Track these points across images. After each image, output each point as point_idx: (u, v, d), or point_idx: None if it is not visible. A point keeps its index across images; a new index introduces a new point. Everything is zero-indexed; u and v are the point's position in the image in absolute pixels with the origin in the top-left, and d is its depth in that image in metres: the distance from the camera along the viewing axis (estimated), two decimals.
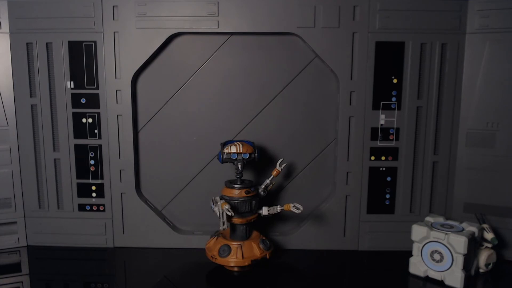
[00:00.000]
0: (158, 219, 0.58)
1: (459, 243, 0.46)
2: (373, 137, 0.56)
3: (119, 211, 0.58)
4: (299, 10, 0.54)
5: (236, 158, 0.51)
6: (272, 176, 0.53)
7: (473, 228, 0.49)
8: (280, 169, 0.54)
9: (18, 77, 0.56)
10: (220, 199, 0.51)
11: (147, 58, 0.55)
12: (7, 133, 0.57)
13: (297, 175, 0.59)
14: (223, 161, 0.52)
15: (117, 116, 0.56)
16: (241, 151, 0.51)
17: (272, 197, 0.59)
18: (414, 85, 0.55)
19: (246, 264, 0.49)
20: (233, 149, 0.51)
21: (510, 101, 0.53)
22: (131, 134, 0.57)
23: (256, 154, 0.52)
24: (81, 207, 0.58)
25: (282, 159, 0.54)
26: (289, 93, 0.57)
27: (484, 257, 0.50)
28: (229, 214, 0.48)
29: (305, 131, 0.58)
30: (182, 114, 0.58)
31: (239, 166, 0.51)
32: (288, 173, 0.59)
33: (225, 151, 0.52)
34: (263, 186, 0.53)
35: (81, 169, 0.57)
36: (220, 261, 0.50)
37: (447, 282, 0.48)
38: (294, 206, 0.51)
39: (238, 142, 0.52)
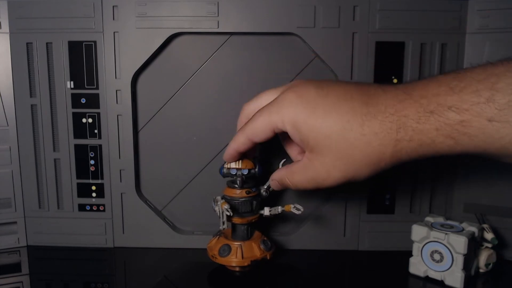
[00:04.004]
0: (158, 219, 0.58)
1: (459, 243, 0.47)
2: None
3: (119, 211, 0.58)
4: (299, 10, 0.54)
5: (236, 174, 0.51)
6: None
7: (473, 228, 0.49)
8: None
9: (18, 77, 0.56)
10: (222, 198, 0.51)
11: (147, 58, 0.55)
12: (7, 133, 0.57)
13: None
14: (224, 176, 0.52)
15: (117, 116, 0.56)
16: (240, 167, 0.51)
17: (272, 197, 0.59)
18: None
19: (246, 264, 0.49)
20: (232, 164, 0.51)
21: None
22: (131, 134, 0.57)
23: (256, 170, 0.51)
24: (81, 207, 0.58)
25: (285, 160, 0.54)
26: None
27: (484, 257, 0.50)
28: (228, 214, 0.48)
29: None
30: (182, 114, 0.58)
31: (238, 182, 0.51)
32: None
33: (225, 166, 0.52)
34: (265, 187, 0.53)
35: (81, 169, 0.58)
36: (220, 260, 0.50)
37: (447, 282, 0.48)
38: (294, 207, 0.50)
39: None
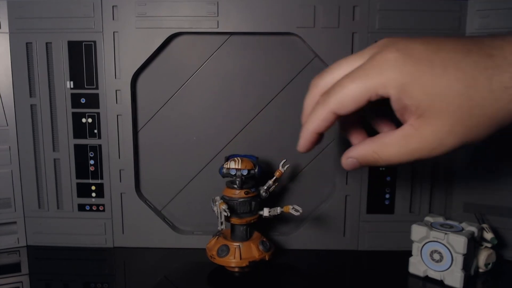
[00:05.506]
0: (158, 219, 0.58)
1: (459, 243, 0.47)
2: None
3: (118, 211, 0.58)
4: (299, 10, 0.54)
5: (235, 174, 0.51)
6: (274, 177, 0.53)
7: (472, 228, 0.49)
8: (283, 170, 0.53)
9: (18, 77, 0.56)
10: (221, 198, 0.51)
11: (146, 58, 0.55)
12: (6, 133, 0.57)
13: (297, 175, 0.59)
14: (223, 176, 0.52)
15: (117, 116, 0.56)
16: (239, 167, 0.51)
17: (272, 197, 0.59)
18: None
19: (244, 265, 0.49)
20: (232, 164, 0.51)
21: None
22: (131, 134, 0.57)
23: (256, 171, 0.51)
24: (81, 207, 0.58)
25: (285, 160, 0.54)
26: (289, 93, 0.57)
27: (483, 257, 0.50)
28: (226, 214, 0.48)
29: None
30: (182, 114, 0.58)
31: (237, 182, 0.51)
32: (288, 173, 0.59)
33: (225, 166, 0.51)
34: (265, 187, 0.53)
35: (81, 169, 0.57)
36: (219, 261, 0.50)
37: (446, 282, 0.48)
38: (293, 208, 0.50)
39: (238, 158, 0.51)
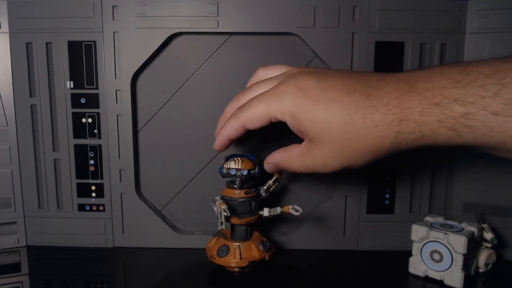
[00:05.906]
0: (158, 219, 0.58)
1: (459, 243, 0.47)
2: None
3: (118, 211, 0.58)
4: (299, 10, 0.54)
5: (235, 174, 0.51)
6: (274, 177, 0.53)
7: (472, 228, 0.49)
8: None
9: (18, 77, 0.56)
10: (221, 198, 0.51)
11: (147, 58, 0.55)
12: (6, 133, 0.57)
13: (297, 175, 0.59)
14: (223, 176, 0.52)
15: (117, 116, 0.56)
16: (239, 167, 0.51)
17: (272, 198, 0.59)
18: None
19: (244, 265, 0.49)
20: (231, 164, 0.51)
21: None
22: (131, 134, 0.57)
23: (256, 171, 0.51)
24: (81, 207, 0.58)
25: None
26: None
27: (483, 257, 0.50)
28: (226, 214, 0.48)
29: None
30: (182, 114, 0.58)
31: (237, 182, 0.51)
32: (288, 173, 0.59)
33: (225, 166, 0.52)
34: (265, 187, 0.53)
35: (81, 169, 0.58)
36: (218, 261, 0.50)
37: (446, 282, 0.48)
38: (293, 208, 0.50)
39: (237, 158, 0.51)
